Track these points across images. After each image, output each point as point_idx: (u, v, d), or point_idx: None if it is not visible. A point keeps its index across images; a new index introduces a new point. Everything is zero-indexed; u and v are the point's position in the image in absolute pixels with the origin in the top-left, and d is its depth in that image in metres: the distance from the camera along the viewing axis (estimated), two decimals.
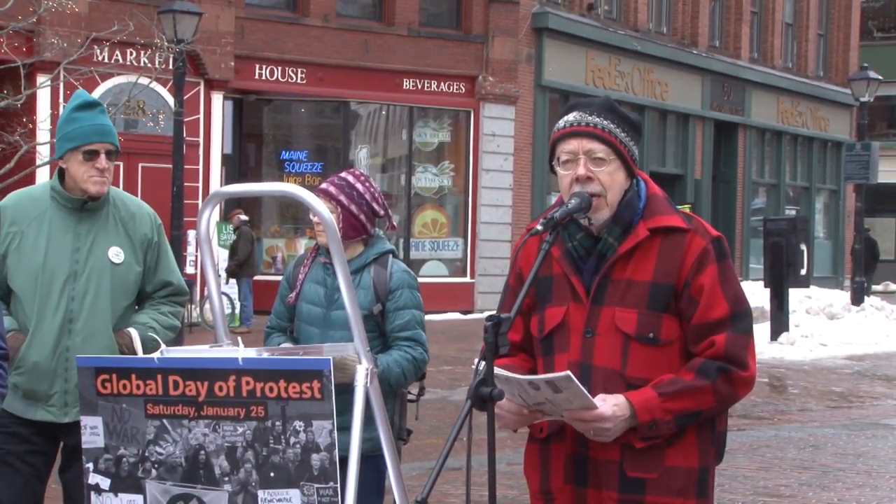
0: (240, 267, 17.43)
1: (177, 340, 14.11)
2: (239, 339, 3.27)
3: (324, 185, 4.24)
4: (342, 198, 4.17)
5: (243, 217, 17.84)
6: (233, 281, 17.50)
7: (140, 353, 3.87)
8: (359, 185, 4.21)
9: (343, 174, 4.30)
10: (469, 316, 20.97)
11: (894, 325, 19.93)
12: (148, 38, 15.09)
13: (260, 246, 20.57)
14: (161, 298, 4.10)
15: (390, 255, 4.26)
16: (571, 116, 3.00)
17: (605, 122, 2.97)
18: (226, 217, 18.02)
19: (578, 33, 23.83)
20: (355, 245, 4.23)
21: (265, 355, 3.17)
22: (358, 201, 4.18)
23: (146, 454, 3.12)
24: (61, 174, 3.98)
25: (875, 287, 31.62)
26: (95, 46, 15.47)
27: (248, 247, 17.46)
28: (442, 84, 21.90)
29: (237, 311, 17.63)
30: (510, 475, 7.50)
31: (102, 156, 3.92)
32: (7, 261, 3.92)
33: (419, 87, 21.66)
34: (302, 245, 20.34)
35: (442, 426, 9.62)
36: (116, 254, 3.96)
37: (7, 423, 3.91)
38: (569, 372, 2.81)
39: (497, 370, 2.80)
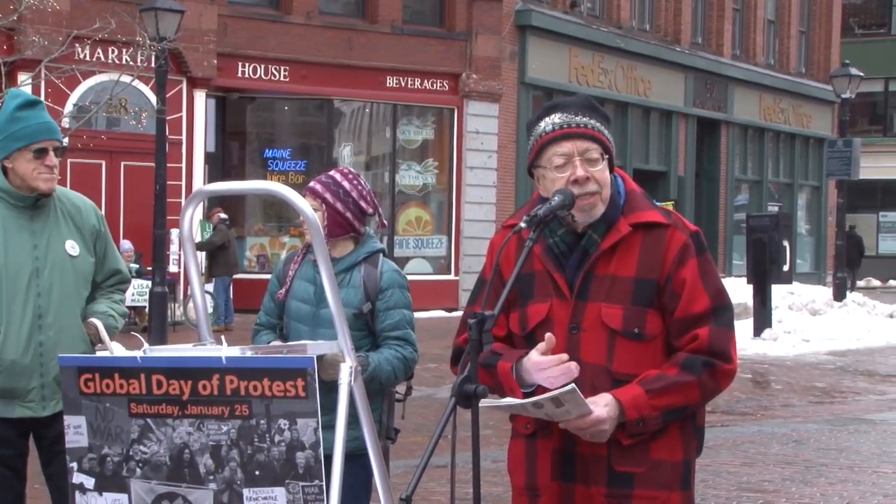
0: (212, 261, 17.32)
1: (160, 339, 14.09)
2: (223, 337, 3.27)
3: (311, 183, 4.24)
4: (327, 196, 4.17)
5: (222, 215, 17.79)
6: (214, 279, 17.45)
7: (108, 342, 3.90)
8: (345, 183, 4.20)
9: (331, 172, 4.29)
10: (453, 313, 20.97)
11: (876, 321, 20.03)
12: (130, 36, 15.05)
13: (243, 245, 20.53)
14: (111, 287, 4.17)
15: (381, 255, 4.25)
16: (557, 118, 2.98)
17: (592, 121, 2.98)
18: (206, 216, 17.97)
19: (561, 31, 23.86)
20: (345, 243, 4.22)
21: (249, 354, 3.17)
22: (344, 199, 4.17)
23: (130, 453, 3.11)
24: (4, 172, 3.98)
25: (857, 283, 31.78)
26: (77, 44, 15.41)
27: (218, 241, 17.32)
28: (425, 81, 21.90)
29: (219, 309, 17.60)
30: (495, 472, 7.51)
31: (51, 153, 3.95)
32: None
33: (403, 84, 21.65)
34: (286, 243, 20.32)
35: (427, 424, 9.63)
36: (72, 247, 4.03)
37: None
38: (573, 385, 2.82)
39: (497, 401, 2.81)
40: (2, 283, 3.90)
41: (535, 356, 2.91)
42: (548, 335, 2.91)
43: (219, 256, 17.35)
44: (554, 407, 2.84)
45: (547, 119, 3.00)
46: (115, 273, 4.16)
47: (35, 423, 3.98)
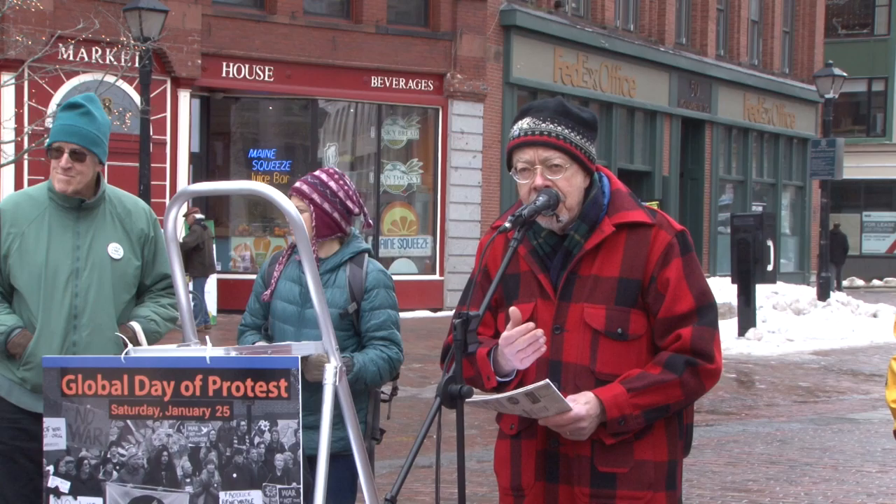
0: (187, 262, 17.26)
1: None
2: (207, 337, 3.25)
3: (297, 184, 4.24)
4: (315, 196, 4.16)
5: (199, 216, 17.73)
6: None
7: (145, 346, 3.94)
8: (332, 184, 4.20)
9: (317, 172, 4.29)
10: (439, 313, 20.97)
11: (860, 321, 20.11)
12: (113, 36, 14.99)
13: (228, 245, 20.48)
14: (160, 291, 4.21)
15: (366, 255, 4.25)
16: (525, 124, 2.98)
17: (558, 128, 2.95)
18: (183, 216, 17.90)
19: (546, 31, 23.89)
20: (331, 243, 4.22)
21: (233, 354, 3.15)
22: (331, 199, 4.17)
23: (108, 456, 3.10)
24: None
25: (843, 281, 31.90)
26: (60, 44, 15.35)
27: (192, 242, 17.26)
28: (410, 81, 21.89)
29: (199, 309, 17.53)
30: (480, 472, 7.50)
31: (66, 155, 4.00)
32: (9, 261, 4.02)
33: (387, 84, 21.64)
34: (271, 244, 20.28)
35: (412, 424, 9.62)
36: (115, 250, 4.07)
37: (17, 419, 4.00)
38: (547, 380, 2.81)
39: (475, 398, 2.80)
40: (41, 282, 3.99)
41: (505, 333, 2.91)
42: (512, 309, 2.90)
43: (193, 258, 17.30)
44: (530, 402, 2.84)
45: (519, 123, 3.01)
46: (164, 277, 4.18)
47: None
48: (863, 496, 7.63)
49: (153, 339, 4.06)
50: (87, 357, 3.76)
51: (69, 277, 4.00)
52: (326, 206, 4.15)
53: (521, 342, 2.85)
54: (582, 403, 2.86)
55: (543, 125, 2.96)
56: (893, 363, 3.33)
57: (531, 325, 2.87)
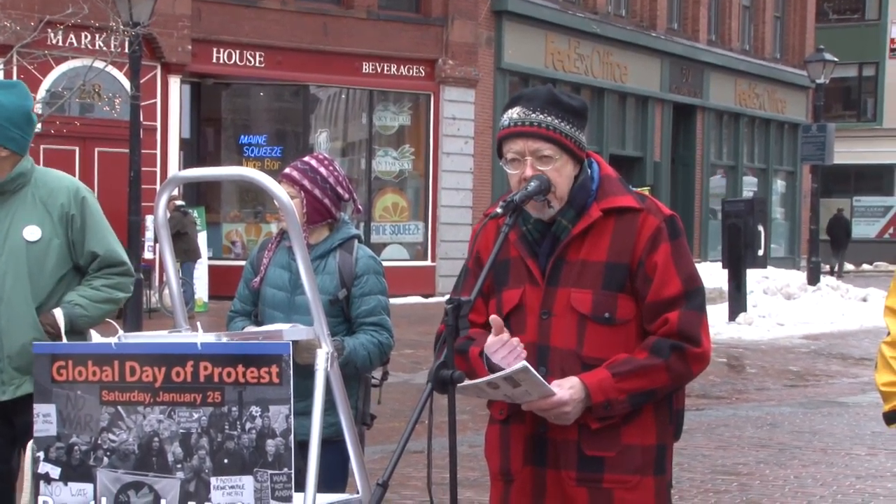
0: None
1: (136, 326, 14.03)
2: (198, 323, 3.25)
3: (287, 170, 4.22)
4: (305, 182, 4.15)
5: (179, 202, 17.71)
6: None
7: (63, 332, 3.88)
8: (322, 169, 4.20)
9: (306, 158, 4.28)
10: (430, 299, 20.99)
11: (849, 305, 20.18)
12: (103, 22, 14.91)
13: (219, 231, 20.45)
14: (95, 272, 4.10)
15: (356, 241, 4.25)
16: (515, 114, 2.97)
17: (549, 118, 2.95)
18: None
19: (538, 16, 23.85)
20: (321, 229, 4.22)
21: (225, 340, 3.16)
22: (322, 185, 4.17)
23: (99, 442, 3.10)
24: None
25: (825, 267, 31.97)
26: (49, 30, 15.27)
27: (172, 229, 17.24)
28: (402, 67, 21.84)
29: (195, 295, 17.53)
30: (471, 457, 7.53)
31: None
32: None
33: (379, 70, 21.59)
34: (262, 230, 20.26)
35: (404, 409, 9.63)
36: (31, 232, 3.98)
37: None
38: (524, 363, 2.82)
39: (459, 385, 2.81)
40: None
41: (489, 339, 2.92)
42: (493, 317, 2.91)
43: (176, 244, 17.31)
44: (511, 387, 2.85)
45: (509, 112, 3.00)
46: (94, 256, 4.07)
47: (3, 409, 4.00)
48: (852, 478, 7.67)
49: (82, 323, 3.96)
50: (78, 343, 3.76)
51: None
52: (317, 192, 4.15)
53: (501, 351, 2.87)
54: (566, 388, 2.87)
55: (533, 115, 2.95)
56: (883, 347, 3.35)
57: (505, 336, 2.89)
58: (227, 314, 4.37)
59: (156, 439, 3.05)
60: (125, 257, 4.19)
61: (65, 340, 3.81)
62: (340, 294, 4.15)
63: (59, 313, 3.95)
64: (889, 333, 3.35)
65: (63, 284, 4.04)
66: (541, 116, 2.95)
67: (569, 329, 2.96)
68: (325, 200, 4.16)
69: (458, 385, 2.79)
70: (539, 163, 2.95)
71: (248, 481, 2.97)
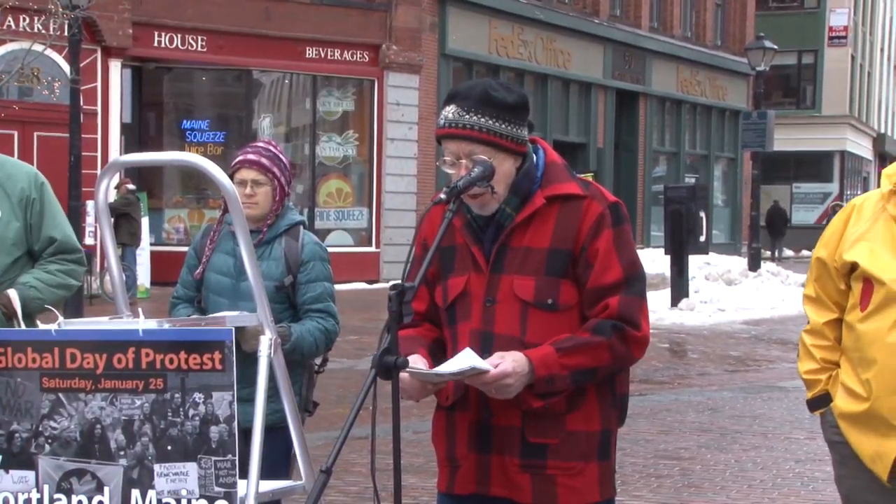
0: (117, 229, 17.07)
1: (77, 312, 13.85)
2: (140, 310, 3.23)
3: (253, 156, 4.16)
4: (276, 170, 4.15)
5: (131, 186, 17.52)
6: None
7: (20, 314, 3.86)
8: (283, 157, 4.23)
9: (264, 145, 4.25)
10: (375, 285, 20.97)
11: (790, 291, 20.46)
12: (41, 4, 14.69)
13: (161, 216, 20.26)
14: (49, 257, 4.09)
15: (301, 227, 4.23)
16: (450, 114, 2.95)
17: (481, 119, 2.92)
18: (115, 186, 17.67)
19: (481, 2, 23.85)
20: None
21: (167, 326, 3.13)
22: (286, 173, 4.19)
23: (40, 429, 3.07)
24: None
25: (766, 253, 32.41)
26: None
27: (118, 205, 17.03)
28: (345, 52, 21.75)
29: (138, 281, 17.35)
30: (416, 443, 7.54)
31: None
32: None
33: (322, 55, 21.48)
34: (205, 215, 20.09)
35: (347, 395, 9.63)
36: None
37: None
38: (468, 349, 2.84)
39: (403, 373, 2.80)
40: None
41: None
42: (406, 371, 2.85)
43: (122, 224, 17.10)
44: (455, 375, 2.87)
45: (445, 109, 2.98)
46: (51, 241, 4.06)
47: None
48: (791, 462, 7.79)
49: (35, 306, 3.94)
50: (17, 329, 3.71)
51: None
52: (283, 179, 4.16)
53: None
54: (509, 360, 2.88)
55: (467, 117, 2.92)
56: (804, 335, 3.40)
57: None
58: (170, 300, 4.33)
59: (98, 426, 3.02)
60: (79, 245, 4.20)
61: (21, 321, 3.78)
62: (286, 280, 4.13)
63: (13, 294, 3.92)
64: (809, 322, 3.40)
65: (17, 267, 4.03)
66: (473, 118, 2.92)
67: (512, 316, 2.97)
68: (287, 188, 4.18)
69: (403, 375, 2.79)
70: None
71: (191, 468, 2.96)
